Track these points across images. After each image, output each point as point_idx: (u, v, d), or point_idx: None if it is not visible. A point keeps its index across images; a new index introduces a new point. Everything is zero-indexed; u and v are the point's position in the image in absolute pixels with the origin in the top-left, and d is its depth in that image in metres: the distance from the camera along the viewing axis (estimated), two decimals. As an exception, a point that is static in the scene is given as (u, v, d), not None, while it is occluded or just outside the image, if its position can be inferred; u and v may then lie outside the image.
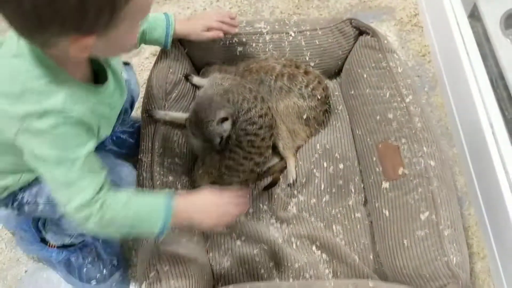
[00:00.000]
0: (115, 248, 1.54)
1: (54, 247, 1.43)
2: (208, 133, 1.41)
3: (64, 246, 1.43)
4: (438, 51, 1.99)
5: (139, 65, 1.96)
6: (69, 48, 0.88)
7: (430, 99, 1.92)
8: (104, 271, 1.47)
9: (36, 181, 1.21)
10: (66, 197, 0.98)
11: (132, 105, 1.58)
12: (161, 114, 1.52)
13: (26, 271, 1.51)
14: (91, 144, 1.01)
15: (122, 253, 1.56)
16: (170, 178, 1.47)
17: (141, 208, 1.07)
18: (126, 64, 1.52)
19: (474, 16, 1.92)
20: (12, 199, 1.23)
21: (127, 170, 1.38)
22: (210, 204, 1.14)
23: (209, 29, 1.53)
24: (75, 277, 1.45)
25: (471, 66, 1.77)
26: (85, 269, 1.46)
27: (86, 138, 1.00)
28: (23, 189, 1.22)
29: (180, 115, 1.54)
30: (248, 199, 1.19)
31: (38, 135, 0.94)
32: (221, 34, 1.54)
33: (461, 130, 1.79)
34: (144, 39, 1.48)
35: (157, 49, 1.96)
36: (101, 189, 1.00)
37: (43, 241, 1.44)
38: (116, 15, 0.86)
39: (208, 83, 1.51)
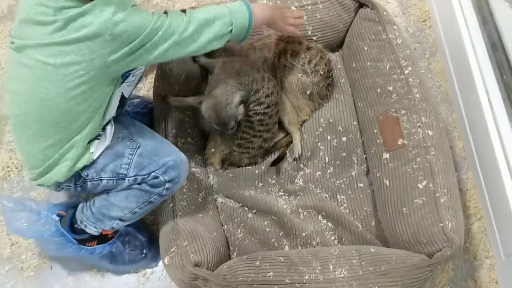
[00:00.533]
0: (146, 229, 1.66)
1: (94, 245, 1.52)
2: (225, 117, 1.48)
3: (103, 241, 1.53)
4: (438, 17, 2.02)
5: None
6: None
7: (431, 65, 1.97)
8: (144, 250, 1.60)
9: (99, 158, 1.32)
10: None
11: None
12: (174, 100, 1.60)
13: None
14: None
15: (152, 232, 1.68)
16: (184, 157, 1.58)
17: (227, 8, 1.31)
18: None
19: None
20: (75, 178, 1.34)
21: (183, 157, 1.42)
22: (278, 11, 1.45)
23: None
24: (119, 264, 1.58)
25: (468, 31, 1.81)
26: (127, 255, 1.58)
27: None
28: (86, 167, 1.32)
29: (192, 100, 1.62)
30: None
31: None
32: (299, 32, 1.61)
33: (459, 96, 1.85)
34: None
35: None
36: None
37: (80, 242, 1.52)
38: None
39: (219, 66, 1.57)
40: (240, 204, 1.60)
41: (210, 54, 1.75)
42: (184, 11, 1.27)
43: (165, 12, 1.24)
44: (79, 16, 1.11)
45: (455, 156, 1.80)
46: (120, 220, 1.42)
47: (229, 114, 1.48)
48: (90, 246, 1.50)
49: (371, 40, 1.71)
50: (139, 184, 1.35)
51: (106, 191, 1.40)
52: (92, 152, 1.30)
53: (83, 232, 1.48)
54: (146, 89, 1.93)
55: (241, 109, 1.52)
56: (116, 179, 1.34)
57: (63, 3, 1.11)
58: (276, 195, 1.63)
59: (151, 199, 1.38)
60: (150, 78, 1.92)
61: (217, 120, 1.49)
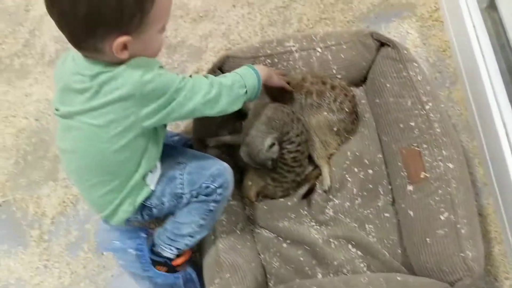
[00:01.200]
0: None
1: (163, 270, 1.64)
2: (260, 161, 1.65)
3: (171, 271, 1.66)
4: (457, 46, 2.12)
5: (184, 83, 2.19)
6: (113, 50, 1.19)
7: (452, 94, 2.07)
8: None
9: (157, 186, 1.50)
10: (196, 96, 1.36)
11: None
12: (213, 141, 1.77)
13: (112, 276, 1.84)
14: None
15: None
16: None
17: (238, 74, 1.50)
18: None
19: (492, 6, 2.03)
20: (141, 209, 1.52)
21: (225, 165, 1.59)
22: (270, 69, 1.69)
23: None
24: None
25: (484, 60, 1.90)
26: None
27: None
28: (148, 197, 1.50)
29: (229, 138, 1.79)
30: None
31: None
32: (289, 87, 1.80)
33: (478, 124, 1.95)
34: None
35: (199, 67, 2.20)
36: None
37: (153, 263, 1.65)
38: (146, 18, 1.18)
39: (251, 113, 1.73)
40: (275, 235, 1.75)
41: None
42: (206, 76, 1.44)
43: (190, 76, 1.41)
44: (111, 79, 1.25)
45: (476, 182, 1.90)
46: (190, 236, 1.59)
47: (262, 158, 1.65)
48: (159, 270, 1.64)
49: (392, 78, 1.83)
50: (196, 197, 1.52)
51: (171, 213, 1.59)
52: (149, 184, 1.48)
53: (160, 255, 1.63)
54: (184, 125, 2.10)
55: (274, 149, 1.67)
56: (176, 199, 1.53)
57: (97, 70, 1.25)
58: (308, 225, 1.77)
59: (210, 207, 1.55)
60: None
61: (255, 163, 1.68)
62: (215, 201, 1.54)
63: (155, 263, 1.65)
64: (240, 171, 1.85)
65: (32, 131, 2.16)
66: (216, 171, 1.52)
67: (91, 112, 1.30)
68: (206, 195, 1.52)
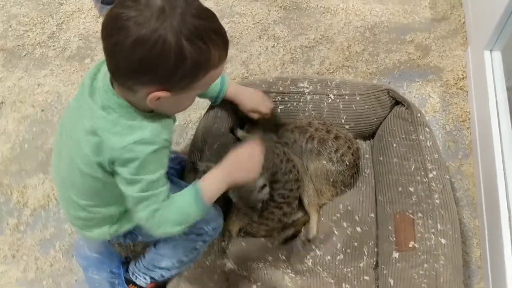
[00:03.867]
0: None
1: None
2: (250, 202, 1.61)
3: None
4: (477, 119, 2.05)
5: (195, 103, 2.08)
6: (147, 98, 1.13)
7: (462, 166, 1.99)
8: None
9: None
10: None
11: None
12: (203, 166, 1.72)
13: (76, 280, 1.79)
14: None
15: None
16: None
17: (180, 208, 1.28)
18: None
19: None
20: (124, 235, 1.50)
21: (219, 209, 1.60)
22: (239, 162, 1.38)
23: (255, 111, 1.76)
24: None
25: (500, 140, 1.82)
26: None
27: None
28: (136, 227, 1.47)
29: (219, 169, 1.74)
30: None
31: (132, 161, 1.18)
32: (256, 116, 1.77)
33: (484, 205, 1.85)
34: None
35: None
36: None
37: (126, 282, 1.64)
38: (194, 83, 1.15)
39: None
40: (247, 274, 1.67)
41: (248, 129, 1.88)
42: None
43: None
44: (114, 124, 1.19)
45: (470, 264, 1.80)
46: (168, 269, 1.56)
47: (253, 199, 1.60)
48: None
49: (401, 138, 1.76)
50: (186, 235, 1.49)
51: (155, 242, 1.57)
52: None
53: (132, 282, 1.62)
54: (185, 144, 2.07)
55: (265, 191, 1.62)
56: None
57: (114, 105, 1.19)
58: (284, 272, 1.68)
59: (196, 246, 1.54)
60: (190, 135, 2.06)
61: (245, 204, 1.63)
62: (203, 241, 1.53)
63: (128, 282, 1.63)
64: (226, 202, 1.80)
65: (35, 121, 2.16)
66: (212, 215, 1.53)
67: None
68: (197, 235, 1.51)
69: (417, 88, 2.18)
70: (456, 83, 2.18)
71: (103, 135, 1.17)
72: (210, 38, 1.09)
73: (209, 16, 1.12)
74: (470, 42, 2.25)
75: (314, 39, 2.33)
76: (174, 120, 1.41)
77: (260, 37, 2.35)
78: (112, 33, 1.06)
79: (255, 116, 1.76)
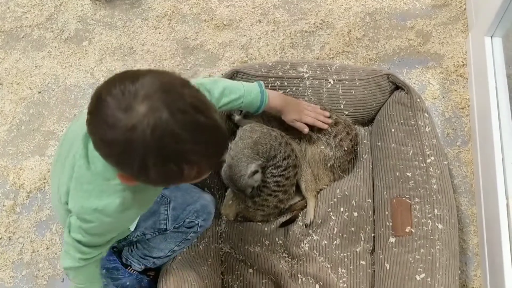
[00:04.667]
0: None
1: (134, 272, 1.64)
2: (240, 186, 1.60)
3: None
4: (476, 107, 2.03)
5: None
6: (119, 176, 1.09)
7: (461, 153, 1.98)
8: None
9: (139, 221, 1.48)
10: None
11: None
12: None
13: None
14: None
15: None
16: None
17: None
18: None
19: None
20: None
21: (208, 198, 1.59)
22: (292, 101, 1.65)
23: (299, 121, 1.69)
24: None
25: (499, 127, 1.81)
26: None
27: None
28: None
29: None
30: None
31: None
32: (306, 130, 1.69)
33: (482, 192, 1.85)
34: (240, 106, 1.57)
35: (210, 73, 2.17)
36: None
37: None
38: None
39: (238, 136, 1.67)
40: (243, 258, 1.67)
41: (246, 114, 1.86)
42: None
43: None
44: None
45: (467, 251, 1.79)
46: (160, 258, 1.58)
47: (243, 184, 1.60)
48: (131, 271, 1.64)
49: (399, 123, 1.76)
50: (176, 228, 1.52)
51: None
52: (129, 227, 1.45)
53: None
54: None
55: (256, 177, 1.62)
56: (158, 232, 1.53)
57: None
58: (280, 256, 1.69)
59: (188, 237, 1.55)
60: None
61: (234, 187, 1.63)
62: (194, 232, 1.54)
63: (125, 266, 1.64)
64: (224, 187, 1.80)
65: (32, 102, 2.15)
66: (200, 206, 1.53)
67: None
68: (188, 227, 1.53)
69: (417, 75, 2.17)
70: (456, 70, 2.16)
71: (74, 185, 1.17)
72: (185, 160, 0.99)
73: (196, 133, 0.97)
74: (470, 28, 2.23)
75: (314, 24, 2.30)
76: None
77: (260, 21, 2.33)
78: (91, 115, 0.99)
79: (298, 125, 1.68)
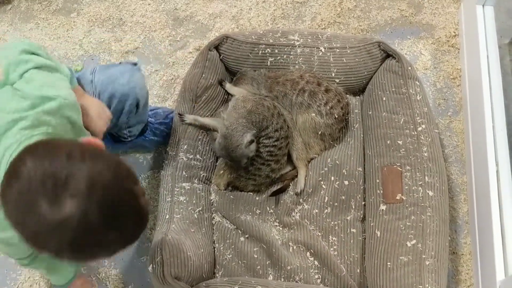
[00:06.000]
0: None
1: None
2: (236, 156, 1.59)
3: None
4: (467, 77, 2.03)
5: (182, 59, 2.14)
6: None
7: (452, 123, 1.98)
8: None
9: None
10: None
11: (138, 106, 1.65)
12: (190, 118, 1.70)
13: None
14: None
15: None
16: (189, 172, 1.68)
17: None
18: (134, 64, 1.65)
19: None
20: None
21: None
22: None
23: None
24: None
25: (490, 97, 1.82)
26: None
27: None
28: None
29: (207, 121, 1.72)
30: None
31: None
32: None
33: (472, 161, 1.85)
34: None
35: (200, 44, 2.14)
36: None
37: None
38: None
39: (231, 106, 1.66)
40: (235, 227, 1.67)
41: (236, 82, 1.85)
42: None
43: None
44: None
45: (457, 219, 1.81)
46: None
47: (239, 154, 1.59)
48: None
49: (390, 92, 1.75)
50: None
51: None
52: None
53: None
54: (172, 99, 2.04)
55: (252, 147, 1.62)
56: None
57: None
58: (271, 225, 1.69)
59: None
60: (178, 90, 2.03)
61: (229, 158, 1.62)
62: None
63: None
64: (215, 157, 1.79)
65: (20, 74, 2.11)
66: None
67: None
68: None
69: (409, 46, 2.15)
70: (448, 41, 2.15)
71: None
72: (102, 251, 0.94)
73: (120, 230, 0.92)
74: (463, -2, 2.22)
75: (305, -6, 2.28)
76: None
77: (250, -8, 2.30)
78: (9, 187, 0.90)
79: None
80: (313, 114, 1.72)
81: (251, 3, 2.26)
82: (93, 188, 0.87)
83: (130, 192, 0.93)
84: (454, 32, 2.16)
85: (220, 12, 2.24)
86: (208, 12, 2.25)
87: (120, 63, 1.71)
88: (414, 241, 1.48)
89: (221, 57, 1.83)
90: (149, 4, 2.28)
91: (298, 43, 1.83)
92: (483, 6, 1.98)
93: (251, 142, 1.60)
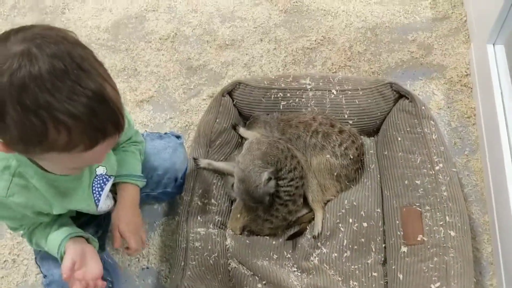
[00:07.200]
0: None
1: None
2: (258, 197, 1.59)
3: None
4: (482, 115, 2.01)
5: (196, 106, 2.16)
6: None
7: (469, 162, 1.94)
8: None
9: None
10: None
11: (176, 180, 1.68)
12: (204, 163, 1.71)
13: None
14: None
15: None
16: (204, 217, 1.66)
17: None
18: (177, 137, 1.71)
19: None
20: None
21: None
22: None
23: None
24: None
25: (508, 134, 1.78)
26: None
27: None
28: None
29: (222, 165, 1.73)
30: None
31: None
32: None
33: (493, 199, 1.80)
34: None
35: (214, 91, 2.17)
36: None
37: None
38: (32, 155, 1.02)
39: (245, 149, 1.67)
40: (252, 273, 1.62)
41: (249, 126, 1.86)
42: None
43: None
44: None
45: (482, 260, 1.74)
46: None
47: (260, 193, 1.59)
48: None
49: (405, 132, 1.74)
50: None
51: None
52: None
53: None
54: (187, 146, 2.04)
55: (271, 184, 1.62)
56: None
57: None
58: (289, 270, 1.64)
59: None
60: (192, 137, 2.04)
61: (252, 201, 1.61)
62: None
63: None
64: (230, 201, 1.77)
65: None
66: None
67: None
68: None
69: (421, 86, 2.16)
70: (460, 80, 2.15)
71: None
72: (51, 116, 0.88)
73: (70, 90, 0.88)
74: (472, 39, 2.23)
75: (315, 40, 2.32)
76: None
77: (261, 40, 2.35)
78: None
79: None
80: (328, 156, 1.71)
81: (262, 51, 2.31)
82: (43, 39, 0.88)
83: (90, 64, 0.93)
84: (466, 72, 2.16)
85: (232, 60, 2.29)
86: (220, 60, 2.30)
87: (165, 133, 1.73)
88: (438, 284, 1.42)
89: (234, 103, 1.86)
90: (163, 55, 2.34)
91: (309, 87, 1.86)
92: (493, 45, 1.99)
93: (269, 179, 1.60)
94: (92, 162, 1.11)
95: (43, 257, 1.50)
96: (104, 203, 1.38)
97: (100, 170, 1.32)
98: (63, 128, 0.90)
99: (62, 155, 0.96)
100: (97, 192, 1.33)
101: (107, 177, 1.35)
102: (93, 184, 1.31)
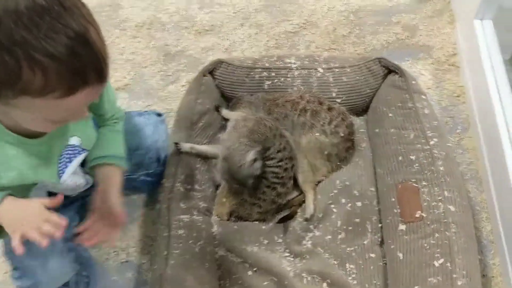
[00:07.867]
0: None
1: None
2: (241, 177, 1.48)
3: None
4: (472, 93, 1.95)
5: (175, 92, 2.05)
6: None
7: (462, 141, 1.88)
8: None
9: None
10: None
11: (159, 160, 1.61)
12: (187, 147, 1.59)
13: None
14: None
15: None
16: (187, 203, 1.54)
17: None
18: (159, 115, 1.62)
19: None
20: None
21: None
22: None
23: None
24: None
25: (503, 111, 1.72)
26: None
27: None
28: None
29: (205, 149, 1.62)
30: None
31: None
32: None
33: (490, 176, 1.73)
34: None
35: (193, 77, 2.07)
36: None
37: None
38: (7, 102, 0.89)
39: (231, 127, 1.57)
40: (241, 260, 1.51)
41: (233, 107, 1.76)
42: None
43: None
44: None
45: (482, 239, 1.66)
46: None
47: (244, 174, 1.48)
48: None
49: (396, 108, 1.66)
50: None
51: None
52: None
53: None
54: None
55: (257, 165, 1.50)
56: None
57: None
58: (281, 255, 1.53)
59: None
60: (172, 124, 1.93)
61: (235, 181, 1.50)
62: None
63: None
64: (215, 186, 1.66)
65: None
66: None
67: None
68: None
69: (408, 67, 2.09)
70: (447, 60, 2.10)
71: None
72: (25, 54, 0.80)
73: (48, 27, 0.81)
74: (458, 18, 2.19)
75: (298, 24, 2.25)
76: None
77: (242, 25, 2.26)
78: None
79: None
80: (317, 134, 1.61)
81: (244, 36, 2.22)
82: None
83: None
84: (453, 51, 2.12)
85: (212, 45, 2.19)
86: (200, 46, 2.20)
87: (145, 111, 1.64)
88: (442, 260, 1.33)
89: (216, 83, 1.75)
90: (139, 42, 2.24)
91: (295, 66, 1.77)
92: (481, 20, 1.94)
93: (255, 160, 1.49)
94: (69, 117, 0.97)
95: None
96: (71, 178, 1.23)
97: (74, 140, 1.19)
98: (39, 68, 0.81)
99: (36, 101, 0.86)
100: (63, 163, 1.19)
101: (80, 149, 1.22)
102: (62, 154, 1.17)
